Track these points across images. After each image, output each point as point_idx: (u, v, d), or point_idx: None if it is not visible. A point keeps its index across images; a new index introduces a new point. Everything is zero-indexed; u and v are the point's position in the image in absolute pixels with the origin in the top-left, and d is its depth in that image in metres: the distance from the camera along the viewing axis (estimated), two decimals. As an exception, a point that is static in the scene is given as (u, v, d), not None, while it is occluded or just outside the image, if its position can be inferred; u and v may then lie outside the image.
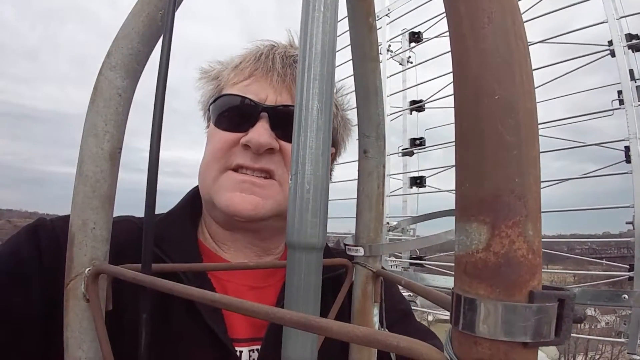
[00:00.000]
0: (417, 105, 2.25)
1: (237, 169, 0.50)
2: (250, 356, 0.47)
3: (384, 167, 0.40)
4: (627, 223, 1.32)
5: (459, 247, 0.17)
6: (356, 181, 0.40)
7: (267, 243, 0.55)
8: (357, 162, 0.40)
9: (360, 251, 0.40)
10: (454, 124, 0.18)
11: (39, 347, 0.41)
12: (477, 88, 0.17)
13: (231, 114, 0.52)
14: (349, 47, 0.39)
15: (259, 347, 0.47)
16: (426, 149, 2.19)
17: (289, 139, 0.50)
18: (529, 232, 0.16)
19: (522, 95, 0.17)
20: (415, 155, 2.24)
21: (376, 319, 0.40)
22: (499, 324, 0.15)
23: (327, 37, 0.29)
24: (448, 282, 1.46)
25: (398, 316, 0.52)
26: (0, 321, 0.39)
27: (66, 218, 0.48)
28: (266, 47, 0.54)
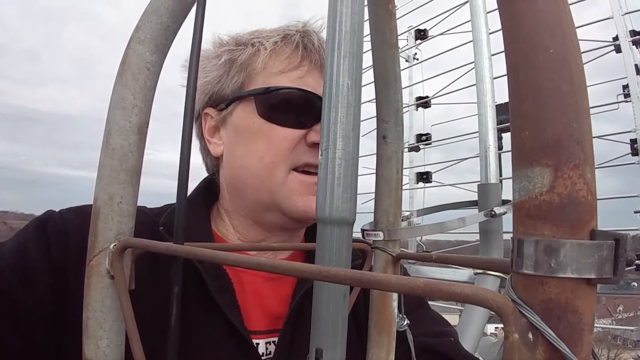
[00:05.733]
0: (423, 101, 2.30)
1: (303, 168, 0.48)
2: (267, 348, 0.46)
3: (402, 152, 0.41)
4: (635, 212, 1.37)
5: (520, 194, 0.17)
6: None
7: (293, 237, 0.54)
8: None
9: (380, 235, 0.40)
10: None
11: (49, 346, 0.39)
12: (532, 44, 0.18)
13: (294, 109, 0.48)
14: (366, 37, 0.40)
15: (275, 339, 0.46)
16: (432, 145, 2.23)
17: None
18: (587, 175, 0.17)
19: (573, 50, 0.18)
20: (421, 151, 2.28)
21: (395, 303, 0.40)
22: (566, 262, 0.16)
23: (356, 15, 0.30)
24: (456, 274, 1.48)
25: (414, 303, 0.52)
26: (9, 319, 0.38)
27: (77, 209, 0.47)
28: (302, 31, 0.50)
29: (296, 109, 0.49)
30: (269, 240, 0.52)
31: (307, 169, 0.49)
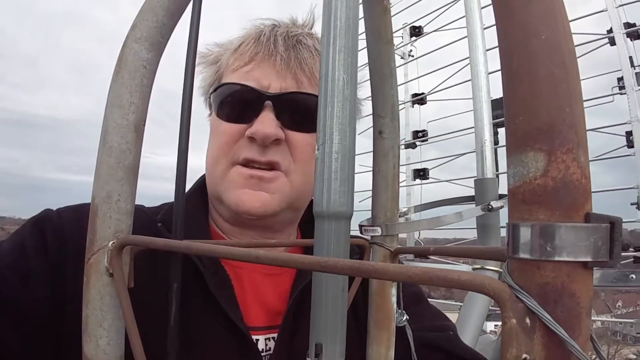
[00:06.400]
0: (418, 98, 2.31)
1: (244, 163, 0.48)
2: (266, 344, 0.46)
3: (399, 147, 0.41)
4: (631, 204, 1.37)
5: (515, 179, 0.18)
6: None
7: (277, 235, 0.53)
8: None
9: (378, 231, 0.40)
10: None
11: (48, 344, 0.39)
12: (525, 30, 0.18)
13: (233, 104, 0.50)
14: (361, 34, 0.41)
15: (274, 335, 0.46)
16: (429, 142, 2.24)
17: (294, 128, 0.48)
18: (581, 158, 0.17)
19: (564, 36, 0.18)
20: (417, 147, 2.29)
21: (394, 299, 0.40)
22: (561, 245, 0.16)
23: (351, 11, 0.30)
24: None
25: (412, 299, 0.52)
26: (9, 318, 0.37)
27: (75, 207, 0.47)
28: (267, 27, 0.52)
29: (237, 104, 0.50)
30: (244, 237, 0.52)
31: (250, 164, 0.48)
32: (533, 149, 0.17)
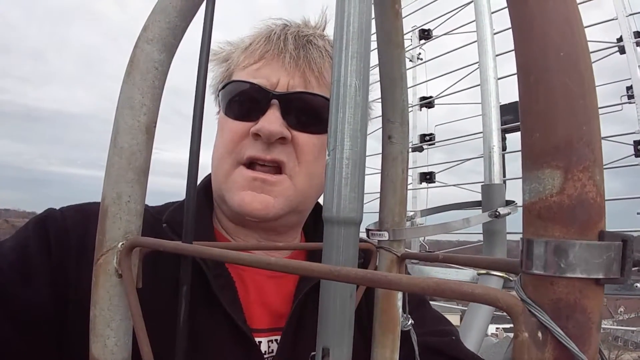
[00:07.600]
0: (426, 101, 2.30)
1: (249, 162, 0.48)
2: (269, 347, 0.46)
3: (407, 152, 0.41)
4: (637, 214, 1.37)
5: (531, 195, 0.18)
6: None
7: (281, 238, 0.53)
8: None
9: (385, 235, 0.40)
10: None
11: (51, 344, 0.39)
12: (543, 44, 0.18)
13: (240, 101, 0.50)
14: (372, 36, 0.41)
15: (277, 337, 0.46)
16: (436, 145, 2.23)
17: (300, 128, 0.48)
18: (596, 177, 0.17)
19: (582, 50, 0.18)
20: (424, 151, 2.28)
21: (399, 303, 0.40)
22: (575, 262, 0.16)
23: (364, 16, 0.30)
24: (459, 274, 1.49)
25: (415, 303, 0.52)
26: (10, 317, 0.38)
27: (78, 207, 0.47)
28: (278, 27, 0.52)
29: (244, 102, 0.49)
30: (248, 238, 0.51)
31: (254, 164, 0.48)
32: (550, 165, 0.17)
